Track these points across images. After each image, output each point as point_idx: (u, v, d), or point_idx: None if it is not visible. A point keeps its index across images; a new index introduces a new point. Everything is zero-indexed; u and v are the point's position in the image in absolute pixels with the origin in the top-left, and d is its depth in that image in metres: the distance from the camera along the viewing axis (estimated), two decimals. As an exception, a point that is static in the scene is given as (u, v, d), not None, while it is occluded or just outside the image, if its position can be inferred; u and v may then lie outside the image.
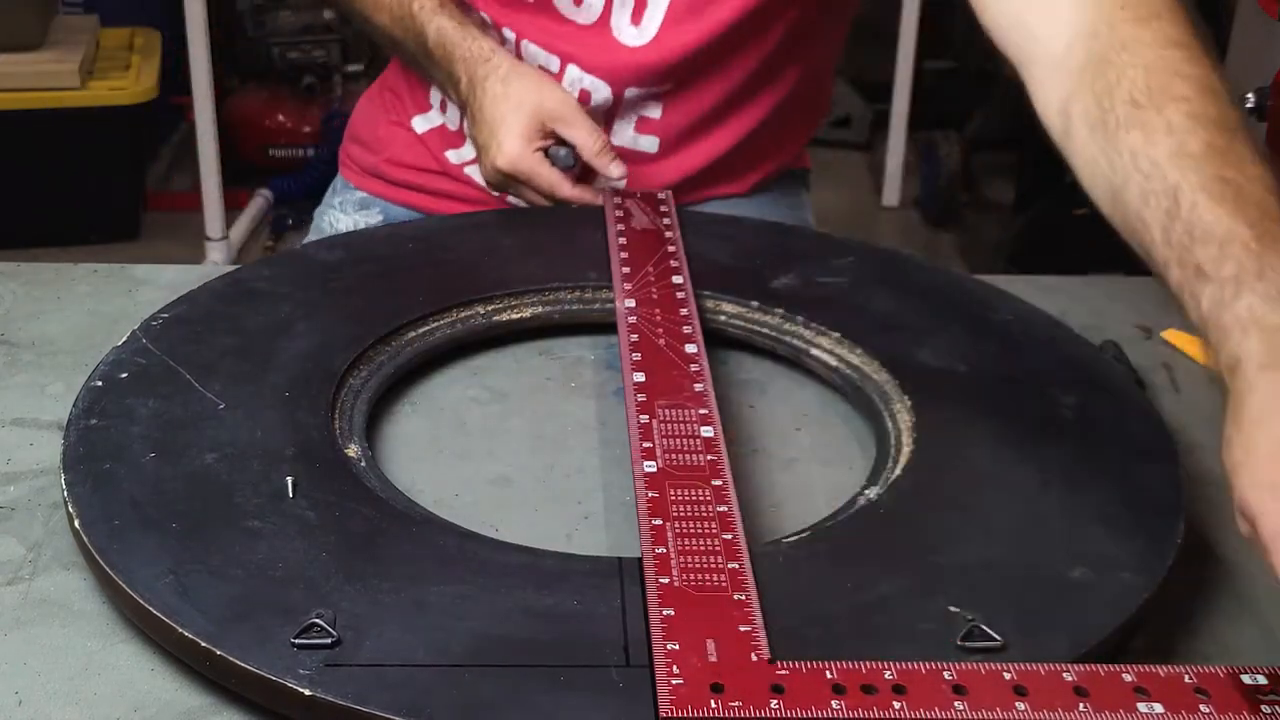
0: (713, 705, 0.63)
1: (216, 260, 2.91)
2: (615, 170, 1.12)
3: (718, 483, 0.78)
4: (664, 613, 0.68)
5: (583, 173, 1.14)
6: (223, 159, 2.96)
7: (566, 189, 1.12)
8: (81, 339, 1.01)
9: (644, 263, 1.02)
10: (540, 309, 1.02)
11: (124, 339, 0.91)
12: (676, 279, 1.00)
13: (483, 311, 1.00)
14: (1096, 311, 1.10)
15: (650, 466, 0.80)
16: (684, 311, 0.96)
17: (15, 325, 1.03)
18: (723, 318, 1.01)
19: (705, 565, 0.72)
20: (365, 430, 0.88)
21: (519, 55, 1.18)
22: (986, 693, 0.64)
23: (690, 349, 0.92)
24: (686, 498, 0.77)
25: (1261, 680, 0.65)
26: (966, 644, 0.68)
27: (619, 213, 1.10)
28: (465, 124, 1.18)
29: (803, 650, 0.67)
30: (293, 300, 0.97)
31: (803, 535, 0.78)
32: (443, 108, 1.26)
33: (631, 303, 0.97)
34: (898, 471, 0.84)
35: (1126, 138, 0.79)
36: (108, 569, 0.71)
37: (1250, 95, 1.55)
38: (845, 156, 3.58)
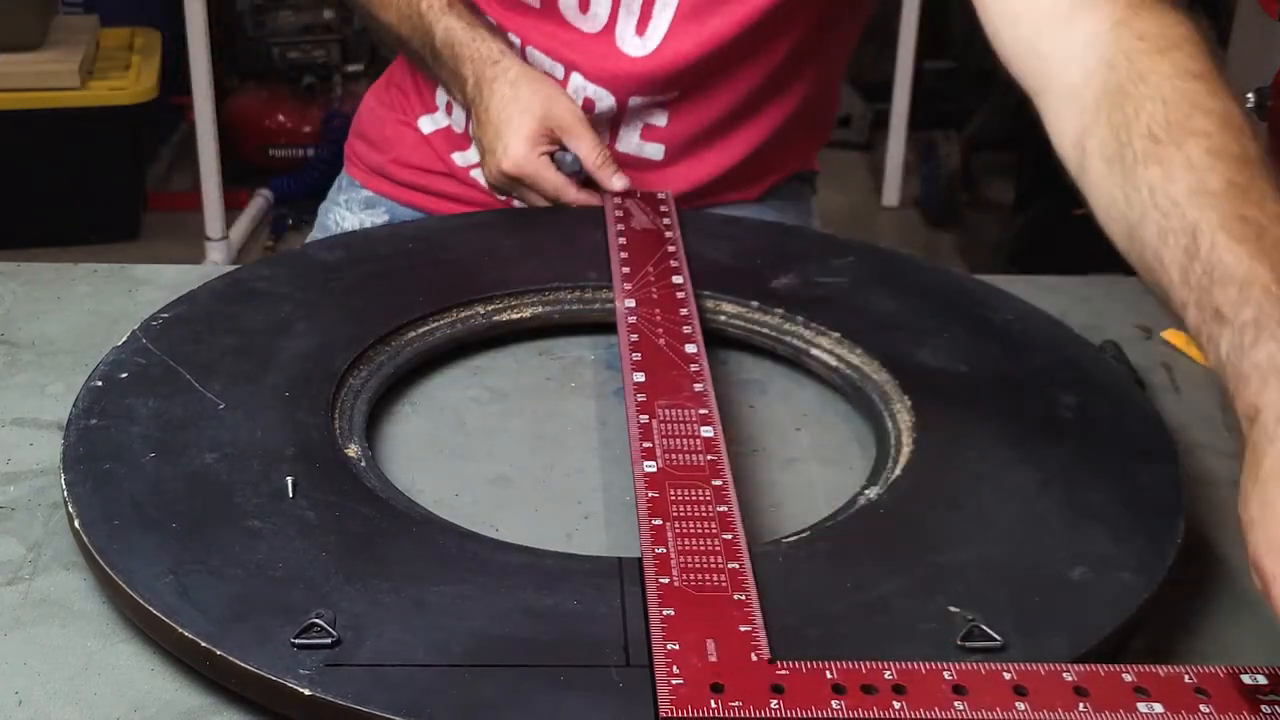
0: (712, 705, 0.63)
1: (216, 260, 2.91)
2: (617, 183, 1.13)
3: (718, 483, 0.78)
4: (664, 613, 0.68)
5: (584, 182, 1.14)
6: (223, 159, 2.96)
7: (572, 193, 1.12)
8: (81, 339, 1.01)
9: (644, 263, 1.02)
10: (540, 309, 1.02)
11: (124, 339, 0.91)
12: (676, 279, 1.00)
13: (483, 311, 1.00)
14: (1096, 311, 1.10)
15: (650, 466, 0.80)
16: (684, 311, 0.96)
17: (15, 325, 1.03)
18: (723, 318, 1.01)
19: (705, 565, 0.72)
20: (365, 430, 0.88)
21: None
22: (986, 693, 0.64)
23: (690, 349, 0.92)
24: (686, 498, 0.77)
25: (1261, 680, 0.65)
26: (966, 644, 0.68)
27: (619, 213, 1.10)
28: (470, 126, 1.18)
29: (803, 650, 0.67)
30: (293, 300, 0.97)
31: (803, 535, 0.78)
32: (448, 109, 1.26)
33: (631, 303, 0.97)
34: (898, 471, 0.84)
35: (1145, 173, 0.77)
36: (108, 569, 0.71)
37: (1250, 95, 1.55)
38: (845, 156, 3.58)
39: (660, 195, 1.14)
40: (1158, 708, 0.63)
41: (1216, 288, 0.70)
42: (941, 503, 0.80)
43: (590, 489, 0.86)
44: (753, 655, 0.66)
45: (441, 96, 1.26)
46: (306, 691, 0.64)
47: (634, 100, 1.18)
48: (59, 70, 2.87)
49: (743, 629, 0.67)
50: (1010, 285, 1.07)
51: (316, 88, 3.35)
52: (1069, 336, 0.99)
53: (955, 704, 0.63)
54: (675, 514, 0.75)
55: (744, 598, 0.70)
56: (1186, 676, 0.65)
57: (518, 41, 1.19)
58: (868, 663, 0.65)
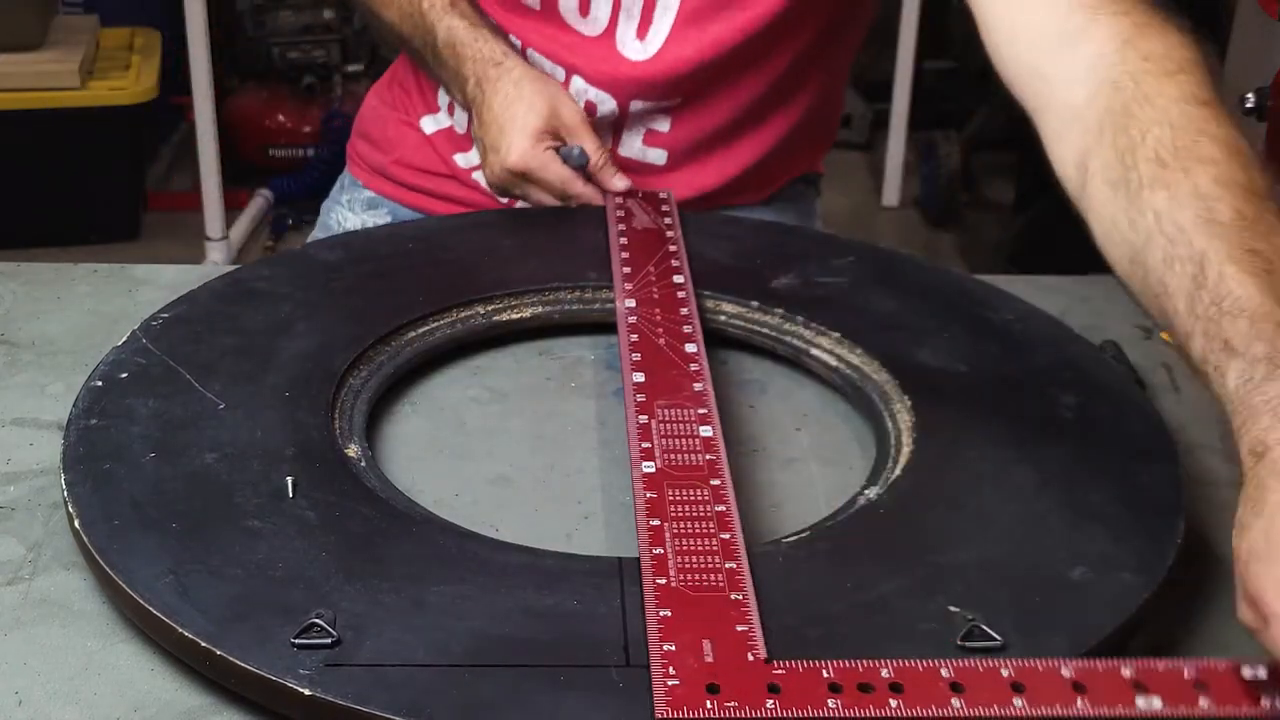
0: (708, 706, 0.63)
1: (216, 260, 2.91)
2: (619, 183, 1.13)
3: (716, 482, 0.78)
4: (660, 613, 0.68)
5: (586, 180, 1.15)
6: (223, 159, 2.96)
7: (579, 186, 1.12)
8: (81, 339, 1.01)
9: (645, 262, 1.02)
10: (540, 309, 1.02)
11: (124, 339, 0.91)
12: (677, 279, 1.00)
13: (483, 311, 1.00)
14: (1096, 311, 1.10)
15: (649, 467, 0.80)
16: (684, 311, 0.96)
17: (15, 325, 1.03)
18: (723, 318, 1.01)
19: (703, 565, 0.72)
20: (365, 430, 0.88)
21: None
22: (984, 690, 0.64)
23: (690, 349, 0.92)
24: (685, 498, 0.77)
25: (1262, 674, 0.65)
26: (966, 644, 0.68)
27: (620, 212, 1.10)
28: (471, 127, 1.18)
29: (803, 650, 0.67)
30: (293, 300, 0.97)
31: (803, 535, 0.78)
32: (450, 109, 1.26)
33: (632, 303, 0.97)
34: (898, 471, 0.84)
35: (1150, 198, 0.76)
36: (108, 569, 0.71)
37: (1250, 95, 1.55)
38: (845, 156, 3.58)
39: (662, 195, 1.14)
40: (1156, 702, 0.63)
41: (1226, 320, 0.70)
42: (941, 503, 0.80)
43: (590, 489, 0.86)
44: (749, 655, 0.66)
45: (444, 96, 1.26)
46: (306, 691, 0.64)
47: (636, 105, 1.18)
48: (59, 70, 2.87)
49: (739, 629, 0.67)
50: (1010, 285, 1.07)
51: (316, 88, 3.35)
52: (1069, 336, 0.99)
53: (953, 701, 0.63)
54: (673, 514, 0.75)
55: (741, 597, 0.70)
56: (1186, 671, 0.65)
57: (518, 44, 1.19)
58: (864, 661, 0.65)
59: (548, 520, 0.83)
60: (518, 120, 1.11)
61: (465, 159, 1.25)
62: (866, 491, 0.83)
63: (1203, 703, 0.63)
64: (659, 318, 0.96)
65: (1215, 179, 0.75)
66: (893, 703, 0.63)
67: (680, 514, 0.75)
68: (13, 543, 0.79)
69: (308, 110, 3.33)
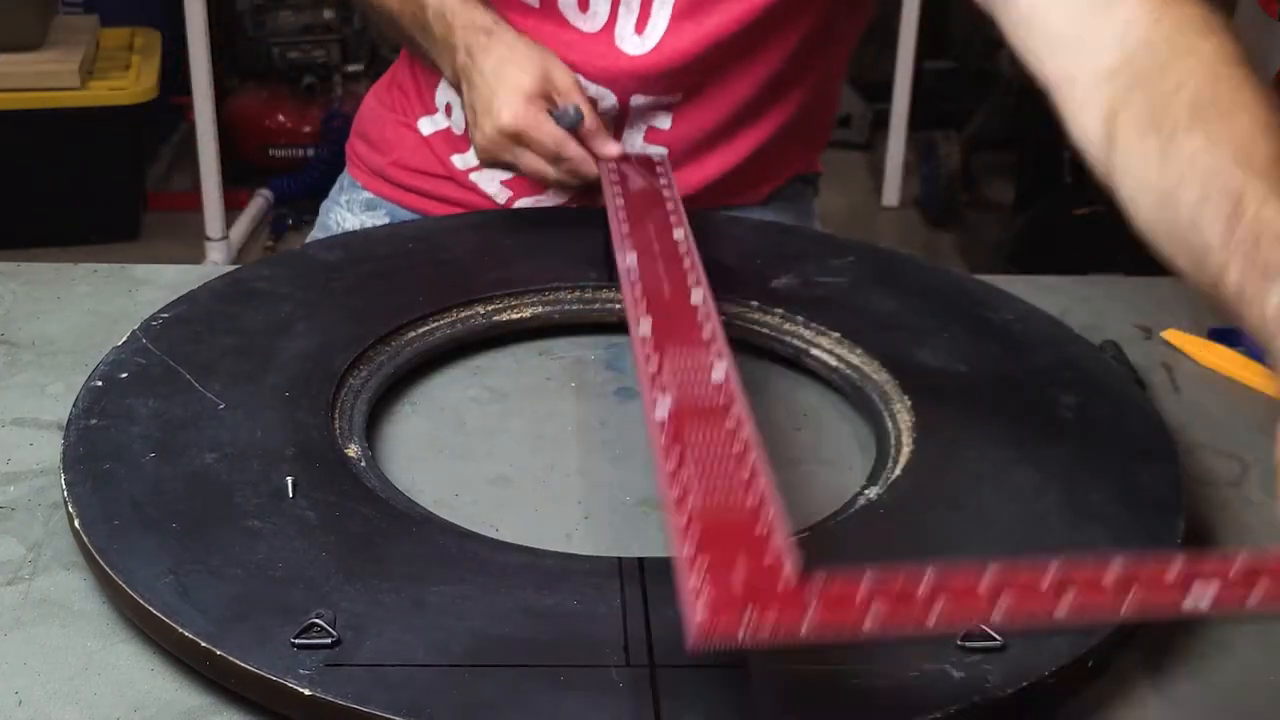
0: (743, 626, 0.61)
1: (216, 260, 2.91)
2: (612, 148, 1.11)
3: (731, 424, 0.77)
4: (687, 547, 0.67)
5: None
6: (223, 159, 2.97)
7: (572, 148, 1.10)
8: (81, 339, 1.01)
9: (644, 221, 1.01)
10: (540, 309, 1.02)
11: (124, 339, 0.91)
12: (677, 233, 0.99)
13: (483, 311, 1.00)
14: (1096, 311, 1.10)
15: (664, 409, 0.78)
16: (687, 263, 0.95)
17: (15, 325, 1.03)
18: (723, 318, 1.01)
19: (726, 500, 0.70)
20: (365, 430, 0.88)
21: None
22: (1024, 596, 0.62)
23: (696, 298, 0.90)
24: (702, 438, 0.75)
25: None
26: (966, 644, 0.68)
27: (615, 176, 1.09)
28: (462, 97, 1.16)
29: (802, 651, 0.67)
30: (293, 300, 0.97)
31: (803, 535, 0.78)
32: (448, 111, 1.26)
33: (633, 258, 0.96)
34: (898, 471, 0.84)
35: (1186, 140, 0.76)
36: (108, 569, 0.71)
37: None
38: (845, 156, 3.58)
39: (656, 157, 1.13)
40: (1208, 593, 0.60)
41: (1266, 245, 0.69)
42: (941, 503, 0.80)
43: (590, 489, 0.86)
44: (781, 578, 0.64)
45: (441, 97, 1.26)
46: (306, 691, 0.64)
47: (637, 100, 1.18)
48: (59, 70, 2.87)
49: (769, 554, 0.66)
50: (1010, 285, 1.07)
51: (316, 88, 3.36)
52: (1069, 336, 0.99)
53: (993, 609, 0.62)
54: (692, 454, 0.74)
55: (765, 526, 0.68)
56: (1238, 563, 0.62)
57: None
58: (903, 572, 0.63)
59: (548, 520, 0.83)
60: (510, 81, 1.09)
61: (463, 160, 1.25)
62: (866, 491, 0.83)
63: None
64: (662, 271, 0.94)
65: (1252, 123, 0.75)
66: (932, 612, 0.61)
67: (700, 454, 0.73)
68: (13, 543, 0.79)
69: (308, 110, 3.34)
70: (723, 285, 1.02)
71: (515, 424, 0.93)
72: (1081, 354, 0.96)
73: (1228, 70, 0.79)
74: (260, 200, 3.20)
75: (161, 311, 0.95)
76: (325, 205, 1.36)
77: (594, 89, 1.17)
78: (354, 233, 1.25)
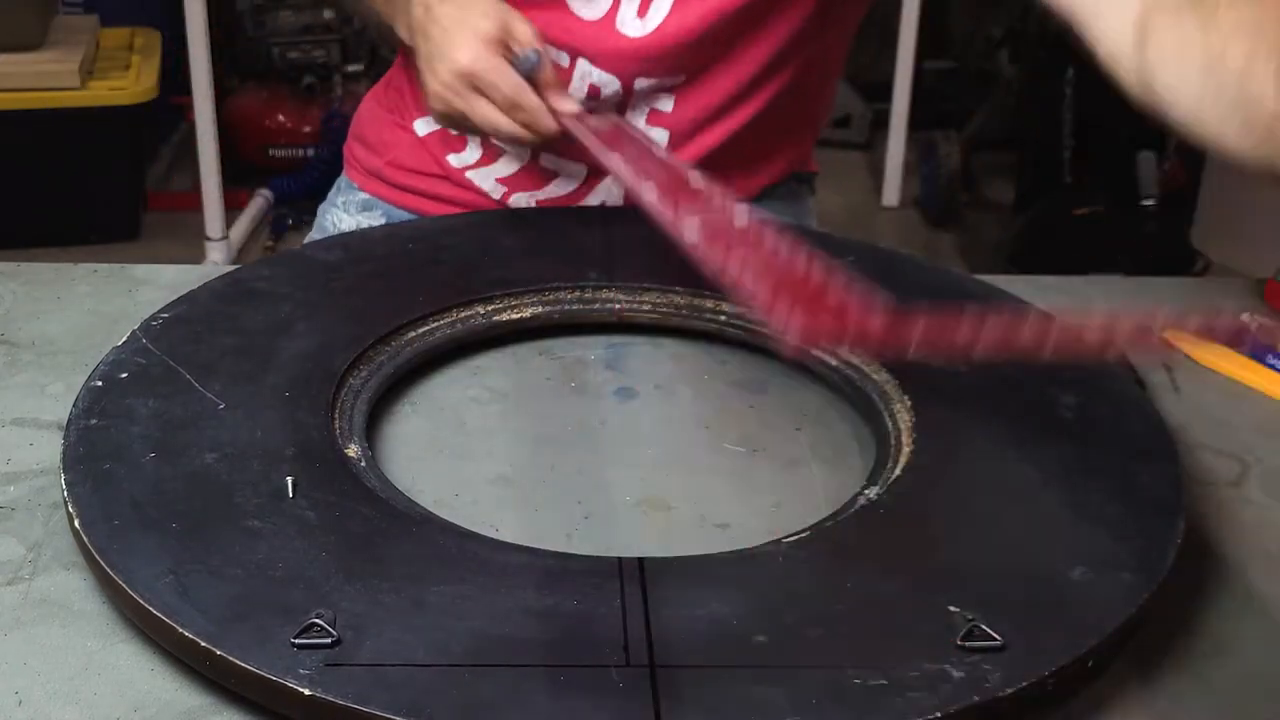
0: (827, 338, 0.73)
1: (216, 260, 2.92)
2: (568, 105, 1.09)
3: (770, 243, 0.86)
4: (754, 290, 0.79)
5: None
6: (223, 159, 2.97)
7: (530, 97, 1.06)
8: (81, 339, 1.01)
9: (621, 143, 1.06)
10: (540, 309, 1.02)
11: (124, 339, 0.91)
12: (657, 150, 1.06)
13: (483, 311, 1.00)
14: (1096, 312, 1.10)
15: (692, 230, 0.88)
16: (673, 160, 1.03)
17: (15, 325, 1.03)
18: (723, 318, 1.01)
19: (776, 264, 0.83)
20: (365, 430, 0.88)
21: None
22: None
23: (696, 181, 0.98)
24: (743, 252, 0.86)
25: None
26: (966, 644, 0.68)
27: (577, 120, 1.09)
28: (419, 52, 1.12)
29: (802, 651, 0.67)
30: (293, 300, 0.97)
31: (803, 535, 0.78)
32: (445, 111, 1.26)
33: (619, 157, 1.02)
34: (898, 471, 0.84)
35: (1228, 12, 0.76)
36: (108, 569, 0.71)
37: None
38: (845, 156, 3.58)
39: (613, 117, 1.16)
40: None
41: None
42: (941, 503, 0.80)
43: (590, 489, 0.86)
44: (849, 316, 0.77)
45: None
46: (306, 691, 0.64)
47: (640, 84, 1.18)
48: (59, 70, 2.87)
49: (831, 294, 0.78)
50: (1010, 285, 1.07)
51: (316, 88, 3.36)
52: (1069, 336, 0.98)
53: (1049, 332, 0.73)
54: (732, 251, 0.85)
55: (821, 274, 0.80)
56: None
57: None
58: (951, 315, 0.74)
59: (548, 520, 0.83)
60: (469, 25, 1.07)
61: (458, 158, 1.25)
62: (866, 491, 0.83)
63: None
64: (652, 170, 0.99)
65: None
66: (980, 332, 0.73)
67: (747, 255, 0.85)
68: (13, 543, 0.79)
69: (308, 110, 3.34)
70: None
71: (515, 424, 0.93)
72: (1081, 354, 0.96)
73: None
74: (260, 200, 3.20)
75: (161, 311, 0.95)
76: (322, 208, 1.36)
77: (597, 74, 1.17)
78: (354, 233, 1.25)
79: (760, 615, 0.69)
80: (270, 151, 3.32)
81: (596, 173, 1.16)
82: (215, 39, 2.95)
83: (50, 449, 0.86)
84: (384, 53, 3.38)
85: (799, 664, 0.66)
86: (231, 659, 0.66)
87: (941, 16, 3.44)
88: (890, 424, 0.89)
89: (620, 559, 0.74)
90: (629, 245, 1.09)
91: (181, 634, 0.67)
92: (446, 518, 0.79)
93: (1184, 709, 0.71)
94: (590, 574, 0.73)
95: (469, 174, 1.24)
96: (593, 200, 1.20)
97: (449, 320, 0.99)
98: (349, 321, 0.95)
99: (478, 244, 1.09)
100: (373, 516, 0.76)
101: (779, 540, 0.78)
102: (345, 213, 1.32)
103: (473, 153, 1.23)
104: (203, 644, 0.67)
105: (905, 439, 0.87)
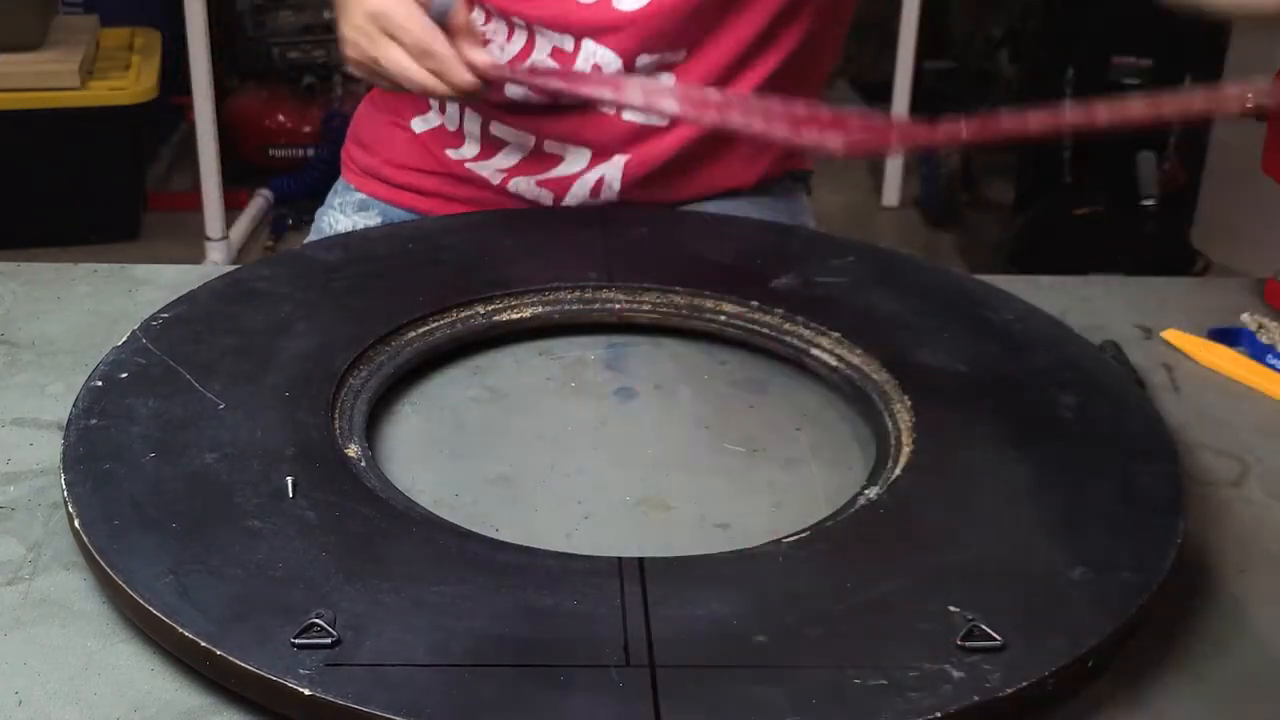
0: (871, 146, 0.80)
1: (216, 260, 2.92)
2: (480, 56, 1.05)
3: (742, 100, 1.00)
4: (771, 129, 0.89)
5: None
6: (223, 159, 2.97)
7: (441, 44, 1.04)
8: (81, 339, 1.01)
9: (567, 75, 1.13)
10: (540, 309, 1.02)
11: (124, 339, 0.91)
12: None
13: (483, 311, 1.00)
14: (1096, 311, 1.10)
15: (682, 102, 1.03)
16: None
17: (15, 325, 1.03)
18: (723, 318, 1.01)
19: (781, 109, 0.91)
20: (365, 430, 0.88)
21: (533, 41, 1.18)
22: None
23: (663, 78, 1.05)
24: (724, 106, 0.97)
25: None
26: (966, 644, 0.68)
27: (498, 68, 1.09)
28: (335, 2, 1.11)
29: (802, 651, 0.67)
30: (293, 300, 0.97)
31: (803, 535, 0.78)
32: (441, 108, 1.26)
33: (579, 78, 1.10)
34: (898, 471, 0.84)
35: None
36: (108, 569, 0.71)
37: (1249, 95, 1.54)
38: (845, 156, 3.57)
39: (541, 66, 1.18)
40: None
41: None
42: (941, 503, 0.80)
43: (590, 489, 0.86)
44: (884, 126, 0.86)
45: (434, 96, 1.26)
46: (306, 691, 0.64)
47: (642, 59, 1.18)
48: (59, 70, 2.87)
49: (853, 118, 0.85)
50: (1010, 285, 1.07)
51: (316, 88, 3.36)
52: (1069, 336, 0.99)
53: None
54: (728, 111, 0.96)
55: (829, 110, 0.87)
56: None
57: (524, 25, 1.19)
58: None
59: (548, 520, 0.83)
60: None
61: (457, 153, 1.25)
62: (866, 491, 0.83)
63: None
64: (620, 80, 1.07)
65: None
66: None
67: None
68: (13, 543, 0.79)
69: (308, 110, 3.34)
70: (723, 285, 1.02)
71: (515, 424, 0.93)
72: (1081, 354, 0.96)
73: None
74: (260, 200, 3.20)
75: (161, 311, 0.95)
76: (320, 212, 1.36)
77: (601, 53, 1.17)
78: (354, 233, 1.25)
79: (760, 615, 0.69)
80: (270, 151, 3.32)
81: (597, 156, 1.15)
82: (215, 39, 2.95)
83: (50, 449, 0.86)
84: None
85: (799, 664, 0.67)
86: (231, 659, 0.66)
87: (941, 16, 3.44)
88: (890, 424, 0.89)
89: (620, 559, 0.74)
90: (629, 245, 1.09)
91: (181, 634, 0.67)
92: (446, 518, 0.79)
93: (1184, 709, 0.71)
94: (590, 574, 0.73)
95: (469, 165, 1.24)
96: (591, 178, 1.20)
97: (449, 320, 0.99)
98: (349, 321, 0.95)
99: (478, 244, 1.09)
100: (372, 516, 0.76)
101: (779, 540, 0.78)
102: (342, 214, 1.32)
103: (470, 148, 1.22)
104: (203, 644, 0.67)
105: (905, 439, 0.87)
